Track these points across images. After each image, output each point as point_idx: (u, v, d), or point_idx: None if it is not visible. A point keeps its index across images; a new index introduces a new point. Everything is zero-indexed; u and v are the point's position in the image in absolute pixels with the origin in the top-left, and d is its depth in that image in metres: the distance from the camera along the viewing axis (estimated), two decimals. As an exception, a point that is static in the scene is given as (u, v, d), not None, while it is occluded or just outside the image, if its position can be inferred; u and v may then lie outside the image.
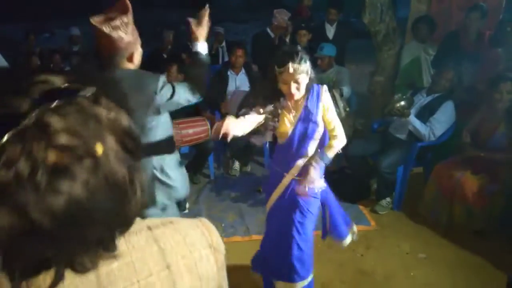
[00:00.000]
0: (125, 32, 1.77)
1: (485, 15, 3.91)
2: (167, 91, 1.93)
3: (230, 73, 4.41)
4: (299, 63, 1.98)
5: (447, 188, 3.23)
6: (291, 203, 2.27)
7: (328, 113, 2.17)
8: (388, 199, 3.67)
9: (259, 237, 3.11)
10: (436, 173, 3.37)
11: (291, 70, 1.97)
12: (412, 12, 4.63)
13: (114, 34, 1.75)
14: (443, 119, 3.47)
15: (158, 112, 1.96)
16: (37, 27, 7.91)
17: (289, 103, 2.14)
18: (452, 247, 3.15)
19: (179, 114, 2.96)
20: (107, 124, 0.49)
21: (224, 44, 5.94)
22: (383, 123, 3.97)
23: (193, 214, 3.59)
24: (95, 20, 1.74)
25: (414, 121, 3.43)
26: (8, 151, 0.42)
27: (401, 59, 4.49)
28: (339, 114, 3.88)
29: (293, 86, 2.01)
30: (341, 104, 3.90)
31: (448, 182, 3.23)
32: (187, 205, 3.71)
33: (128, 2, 1.76)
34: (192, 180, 3.96)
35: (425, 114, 3.50)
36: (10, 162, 0.42)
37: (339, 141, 2.24)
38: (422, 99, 3.63)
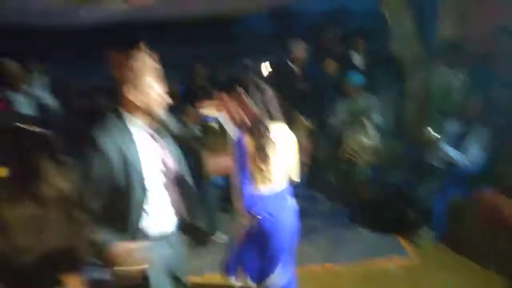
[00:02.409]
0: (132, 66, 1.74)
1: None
2: None
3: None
4: None
5: (491, 218, 3.10)
6: None
7: None
8: (426, 229, 3.56)
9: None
10: (478, 203, 3.24)
11: None
12: (440, 37, 4.61)
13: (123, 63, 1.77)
14: (478, 145, 3.38)
15: None
16: (82, 67, 8.38)
17: None
18: (499, 281, 2.98)
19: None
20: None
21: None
22: (417, 150, 3.90)
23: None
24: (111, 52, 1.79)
25: (446, 149, 3.36)
26: None
27: (431, 86, 4.44)
28: (371, 143, 3.91)
29: None
30: (372, 133, 3.89)
31: (491, 212, 3.10)
32: (224, 236, 3.70)
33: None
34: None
35: (459, 141, 3.42)
36: None
37: None
38: (454, 126, 3.56)
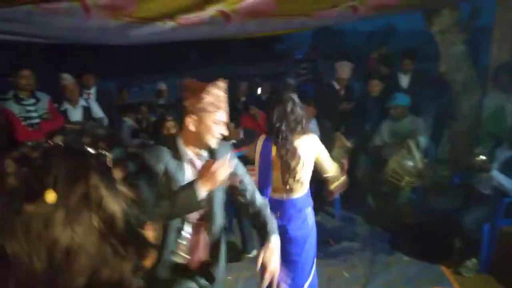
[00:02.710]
0: (202, 97, 1.69)
1: None
2: None
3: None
4: None
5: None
6: None
7: None
8: (473, 259, 3.36)
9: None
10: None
11: None
12: (493, 60, 4.43)
13: (192, 92, 1.73)
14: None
15: None
16: (129, 81, 8.84)
17: None
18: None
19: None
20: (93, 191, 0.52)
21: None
22: (465, 176, 3.73)
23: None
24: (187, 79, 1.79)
25: (497, 176, 3.18)
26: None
27: (483, 109, 4.25)
28: (416, 166, 3.78)
29: None
30: (417, 155, 3.75)
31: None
32: (254, 251, 3.70)
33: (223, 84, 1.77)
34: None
35: (511, 169, 3.23)
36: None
37: None
38: (506, 152, 3.37)
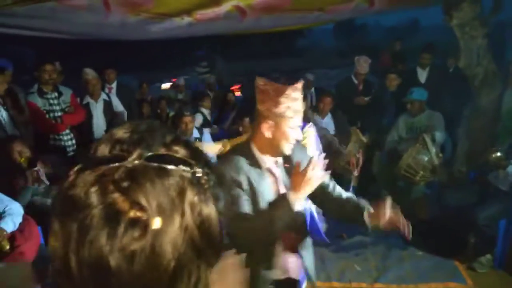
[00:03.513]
0: (278, 101, 1.57)
1: None
2: None
3: (316, 117, 4.53)
4: None
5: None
6: None
7: None
8: (488, 256, 3.33)
9: (339, 284, 3.05)
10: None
11: None
12: (515, 54, 4.33)
13: (267, 95, 1.59)
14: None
15: None
16: (150, 77, 9.02)
17: None
18: None
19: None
20: (188, 210, 0.50)
21: (313, 90, 6.15)
22: (482, 172, 3.68)
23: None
24: (260, 79, 1.65)
25: (514, 172, 3.14)
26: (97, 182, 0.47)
27: (503, 104, 4.16)
28: (431, 161, 3.75)
29: None
30: (433, 150, 3.73)
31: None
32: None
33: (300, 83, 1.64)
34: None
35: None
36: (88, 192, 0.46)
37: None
38: (525, 148, 3.31)
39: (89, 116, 4.36)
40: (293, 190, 1.51)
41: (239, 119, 4.00)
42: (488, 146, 3.54)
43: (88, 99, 4.46)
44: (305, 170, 1.49)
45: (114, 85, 5.03)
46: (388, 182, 4.18)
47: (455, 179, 4.14)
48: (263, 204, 1.61)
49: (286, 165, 1.74)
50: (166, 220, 0.47)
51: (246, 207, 1.58)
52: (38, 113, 3.70)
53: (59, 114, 3.84)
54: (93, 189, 0.47)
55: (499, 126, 4.22)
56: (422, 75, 4.92)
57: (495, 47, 4.59)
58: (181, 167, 0.50)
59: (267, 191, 1.65)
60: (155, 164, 0.48)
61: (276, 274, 1.70)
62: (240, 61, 13.17)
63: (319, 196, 1.75)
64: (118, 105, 4.71)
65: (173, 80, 6.64)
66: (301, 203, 1.53)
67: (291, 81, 1.64)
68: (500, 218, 3.25)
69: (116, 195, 0.46)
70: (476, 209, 3.29)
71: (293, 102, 1.57)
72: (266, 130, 1.59)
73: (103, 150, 0.51)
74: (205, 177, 0.52)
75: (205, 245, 0.51)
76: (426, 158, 3.73)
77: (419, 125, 4.19)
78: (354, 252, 3.65)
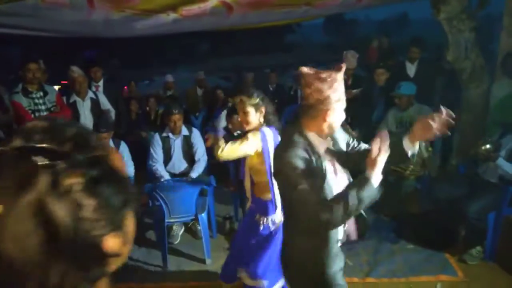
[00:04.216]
0: (328, 87, 1.66)
1: None
2: None
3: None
4: (251, 96, 2.49)
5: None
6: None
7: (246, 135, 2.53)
8: (478, 248, 3.35)
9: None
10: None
11: (243, 100, 2.50)
12: (502, 47, 4.34)
13: (317, 83, 1.66)
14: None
15: None
16: (140, 75, 8.93)
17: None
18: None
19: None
20: (35, 203, 0.49)
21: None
22: (471, 165, 3.69)
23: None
24: (304, 69, 1.72)
25: (503, 165, 3.15)
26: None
27: (492, 97, 4.19)
28: (421, 155, 3.75)
29: (242, 115, 2.53)
30: (422, 144, 3.73)
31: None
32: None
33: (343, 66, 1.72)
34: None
35: (517, 157, 3.20)
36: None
37: (230, 144, 2.51)
38: (513, 140, 3.33)
39: (76, 115, 4.30)
40: (370, 169, 1.59)
41: (229, 116, 3.95)
42: (477, 139, 3.55)
43: (75, 97, 4.40)
44: (379, 148, 1.57)
45: (101, 83, 4.97)
46: (379, 177, 4.18)
47: (445, 172, 4.17)
48: (333, 189, 1.71)
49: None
50: (8, 207, 0.48)
51: (328, 193, 1.68)
52: (22, 113, 3.63)
53: (45, 113, 3.77)
54: None
55: (487, 119, 4.25)
56: (411, 69, 4.92)
57: (483, 41, 4.61)
58: (38, 158, 0.50)
59: (331, 176, 1.74)
60: (15, 152, 0.50)
61: (342, 236, 1.91)
62: (230, 56, 13.11)
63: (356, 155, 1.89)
64: (105, 103, 4.65)
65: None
66: (379, 178, 1.61)
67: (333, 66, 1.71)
68: (490, 211, 3.27)
69: None
70: (466, 202, 3.30)
71: (340, 85, 1.68)
72: (319, 116, 1.68)
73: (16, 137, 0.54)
74: (75, 176, 0.51)
75: (50, 245, 0.49)
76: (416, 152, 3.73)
77: (408, 119, 4.19)
78: (346, 247, 3.63)
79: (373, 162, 1.58)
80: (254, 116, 2.53)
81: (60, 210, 0.49)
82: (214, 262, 3.49)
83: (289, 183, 1.63)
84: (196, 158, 3.99)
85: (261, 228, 2.61)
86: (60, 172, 0.50)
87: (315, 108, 1.68)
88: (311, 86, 1.66)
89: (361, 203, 1.57)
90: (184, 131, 3.97)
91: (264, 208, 2.60)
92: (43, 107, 3.75)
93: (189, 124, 4.43)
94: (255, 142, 2.50)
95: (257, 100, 2.52)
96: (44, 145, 0.51)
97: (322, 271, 1.84)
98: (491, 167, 3.32)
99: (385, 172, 4.01)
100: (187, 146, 3.99)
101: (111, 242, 0.54)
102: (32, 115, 3.68)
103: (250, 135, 2.51)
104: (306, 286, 1.92)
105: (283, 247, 1.99)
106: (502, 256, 3.29)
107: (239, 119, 2.59)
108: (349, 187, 1.63)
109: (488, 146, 3.19)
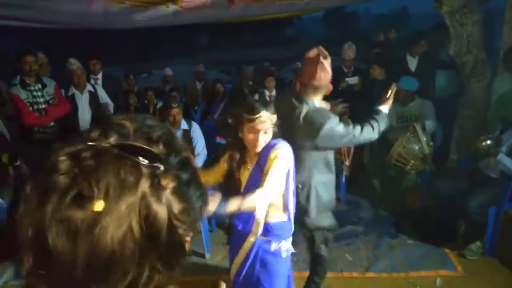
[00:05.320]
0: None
1: None
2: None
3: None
4: (273, 113, 1.88)
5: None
6: (258, 265, 2.08)
7: (271, 163, 1.90)
8: (478, 243, 3.35)
9: (331, 274, 3.03)
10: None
11: (263, 118, 1.83)
12: (504, 41, 4.31)
13: (325, 63, 2.22)
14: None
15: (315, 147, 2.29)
16: (138, 68, 8.87)
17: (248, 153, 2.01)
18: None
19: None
20: (137, 200, 0.49)
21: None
22: (472, 160, 3.68)
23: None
24: (312, 51, 2.26)
25: (504, 160, 3.13)
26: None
27: (493, 91, 4.16)
28: (422, 150, 3.74)
29: (262, 136, 1.87)
30: (423, 139, 3.71)
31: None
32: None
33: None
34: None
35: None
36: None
37: (262, 191, 1.86)
38: (515, 135, 3.31)
39: (75, 108, 4.25)
40: (384, 104, 2.45)
41: (228, 110, 3.92)
42: (478, 134, 3.53)
43: (73, 90, 4.35)
44: (388, 92, 2.45)
45: (99, 76, 4.92)
46: (379, 172, 4.17)
47: (446, 167, 4.15)
48: None
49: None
50: (110, 205, 0.47)
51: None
52: (20, 105, 3.59)
53: (43, 106, 3.74)
54: (62, 159, 0.49)
55: (488, 113, 4.23)
56: (413, 63, 4.88)
57: (485, 35, 4.58)
58: (141, 159, 0.50)
59: None
60: (117, 150, 0.50)
61: None
62: (230, 50, 13.04)
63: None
64: (104, 97, 4.60)
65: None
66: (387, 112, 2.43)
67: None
68: (490, 206, 3.25)
69: (76, 170, 0.48)
70: (467, 197, 3.30)
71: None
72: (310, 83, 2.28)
73: (94, 132, 0.53)
74: (169, 178, 0.52)
75: (147, 244, 0.50)
76: (416, 147, 3.71)
77: (409, 114, 4.17)
78: (345, 241, 3.64)
79: (386, 100, 2.42)
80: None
81: (161, 211, 0.51)
82: (213, 256, 3.48)
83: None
84: (195, 152, 3.97)
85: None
86: (159, 174, 0.51)
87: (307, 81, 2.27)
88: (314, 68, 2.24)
89: (382, 123, 2.36)
90: (184, 125, 3.94)
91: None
92: (41, 100, 3.71)
93: (188, 117, 4.40)
94: (287, 162, 1.97)
95: (275, 113, 1.94)
96: (143, 146, 0.52)
97: None
98: (492, 162, 3.31)
99: (386, 167, 4.06)
100: (186, 140, 3.96)
101: (188, 244, 0.57)
102: (30, 108, 3.65)
103: (278, 155, 1.91)
104: None
105: None
106: (501, 251, 3.28)
107: (251, 138, 1.91)
108: (371, 117, 2.35)
109: (489, 141, 3.17)
